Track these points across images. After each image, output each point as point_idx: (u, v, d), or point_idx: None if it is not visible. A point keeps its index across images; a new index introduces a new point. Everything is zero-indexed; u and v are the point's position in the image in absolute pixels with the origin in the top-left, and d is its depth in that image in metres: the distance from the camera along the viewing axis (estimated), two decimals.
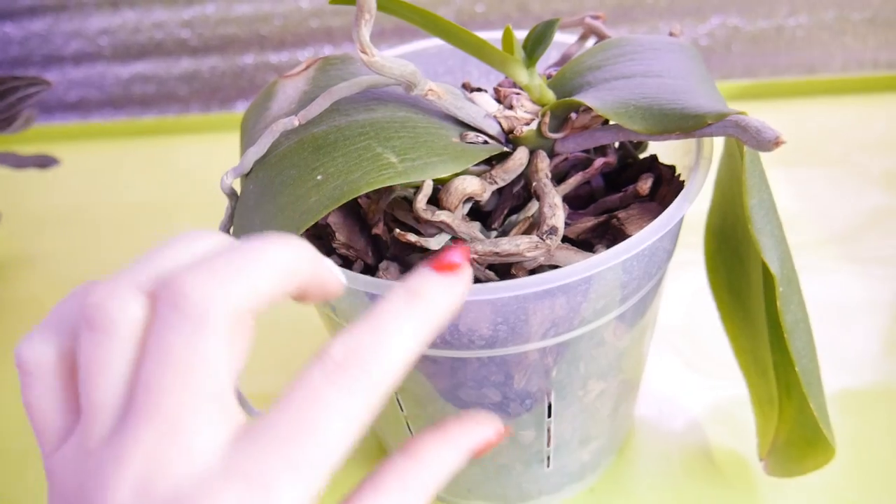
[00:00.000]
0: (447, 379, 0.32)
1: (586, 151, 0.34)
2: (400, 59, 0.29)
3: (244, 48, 0.76)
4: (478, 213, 0.33)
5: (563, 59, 0.39)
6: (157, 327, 0.18)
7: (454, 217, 0.30)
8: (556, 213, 0.29)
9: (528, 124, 0.31)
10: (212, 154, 0.70)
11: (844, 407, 0.43)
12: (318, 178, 0.28)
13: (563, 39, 0.40)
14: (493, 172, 0.31)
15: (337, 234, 0.32)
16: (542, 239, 0.29)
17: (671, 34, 0.35)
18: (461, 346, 0.30)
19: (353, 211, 0.33)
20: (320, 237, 0.33)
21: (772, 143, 0.24)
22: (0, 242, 0.60)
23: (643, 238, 0.28)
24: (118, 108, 0.82)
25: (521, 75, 0.31)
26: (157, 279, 0.19)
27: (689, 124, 0.26)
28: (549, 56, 0.39)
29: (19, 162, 0.54)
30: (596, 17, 0.37)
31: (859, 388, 0.44)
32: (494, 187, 0.31)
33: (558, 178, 0.34)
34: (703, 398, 0.44)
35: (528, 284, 0.27)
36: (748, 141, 0.25)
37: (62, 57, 0.79)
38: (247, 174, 0.31)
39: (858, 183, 0.59)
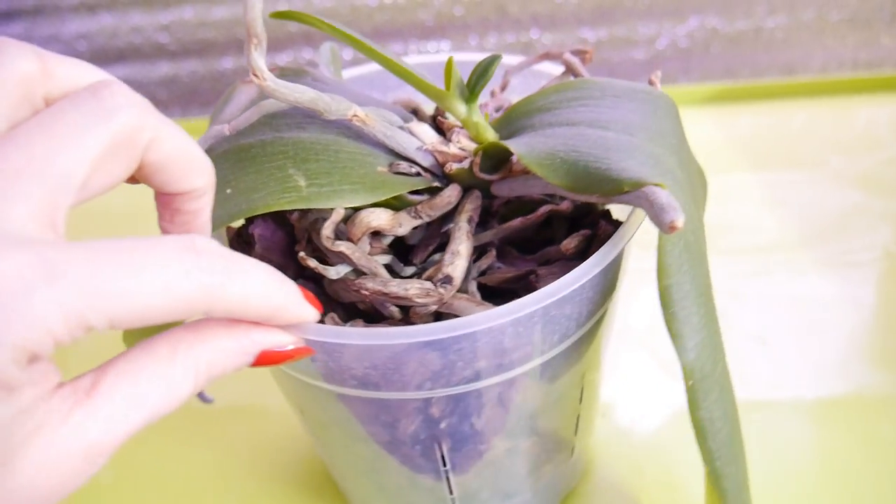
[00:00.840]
0: (334, 410, 0.31)
1: (549, 195, 0.33)
2: (299, 85, 0.28)
3: (223, 52, 0.76)
4: (404, 246, 0.32)
5: None
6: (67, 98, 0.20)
7: (355, 249, 0.29)
8: (455, 262, 0.28)
9: (461, 161, 0.30)
10: None
11: (820, 415, 0.43)
12: (228, 191, 0.28)
13: (549, 70, 0.38)
14: (419, 207, 0.30)
15: (256, 245, 0.32)
16: (435, 286, 0.28)
17: (650, 82, 0.33)
18: (336, 381, 0.29)
19: (289, 225, 0.33)
20: (249, 244, 0.33)
21: (667, 226, 0.23)
22: None
23: (523, 305, 0.26)
24: None
25: (459, 110, 0.30)
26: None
27: (607, 188, 0.25)
28: (530, 86, 0.38)
29: None
30: (580, 53, 0.35)
31: (834, 395, 0.44)
32: (418, 222, 0.30)
33: (503, 220, 0.32)
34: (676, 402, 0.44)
35: (382, 335, 0.26)
36: (652, 217, 0.24)
37: None
38: None
39: (836, 184, 0.59)
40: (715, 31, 0.72)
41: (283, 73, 0.34)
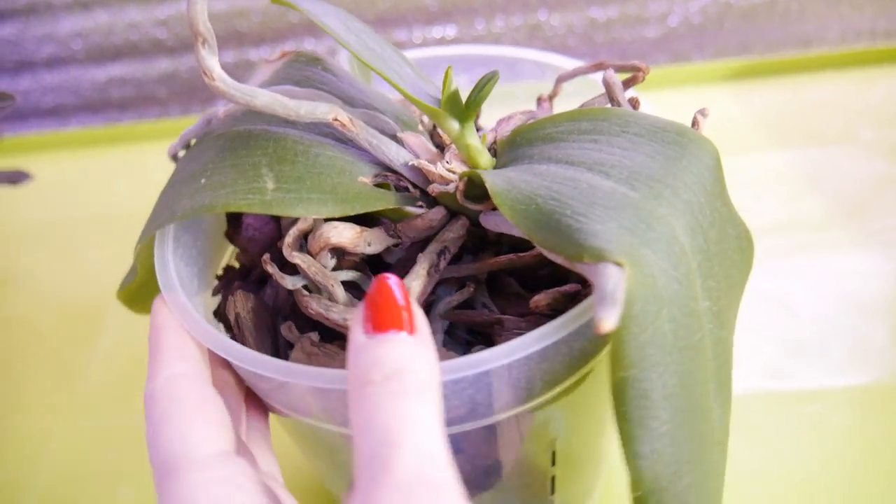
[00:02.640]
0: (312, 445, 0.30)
1: None
2: (256, 89, 0.25)
3: (222, 45, 0.74)
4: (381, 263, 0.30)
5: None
6: None
7: (311, 263, 0.27)
8: None
9: (446, 185, 0.27)
10: None
11: (855, 402, 0.41)
12: (202, 181, 0.27)
13: (597, 79, 0.34)
14: (398, 226, 0.28)
15: (242, 235, 0.31)
16: None
17: (694, 122, 0.28)
18: (296, 412, 0.28)
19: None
20: (238, 229, 0.32)
21: (598, 324, 0.19)
22: None
23: (454, 367, 0.23)
24: (95, 113, 0.79)
25: (451, 128, 0.26)
26: None
27: (568, 251, 0.21)
28: (584, 95, 0.33)
29: None
30: (634, 69, 0.30)
31: (869, 382, 0.42)
32: (394, 242, 0.28)
33: (499, 252, 0.29)
34: None
35: (313, 375, 0.24)
36: (596, 300, 0.20)
37: (34, 62, 0.76)
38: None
39: (866, 158, 0.57)
40: (728, 6, 0.70)
41: (296, 58, 0.32)
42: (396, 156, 0.28)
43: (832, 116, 0.62)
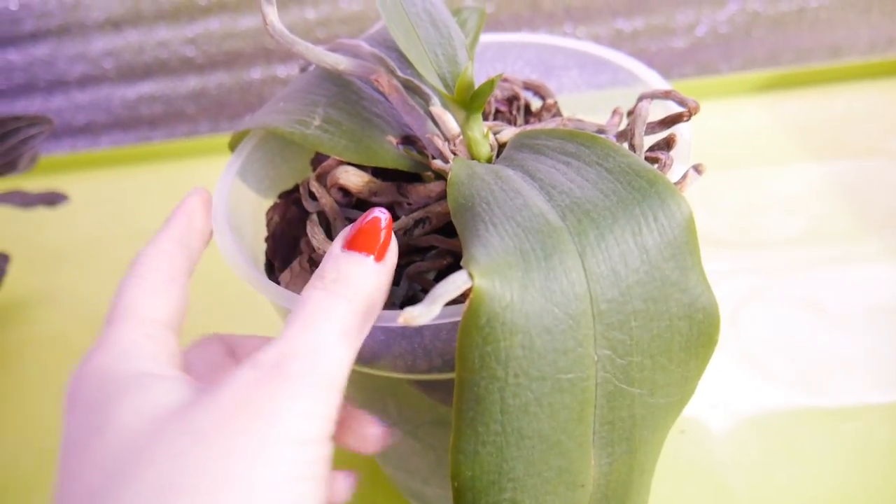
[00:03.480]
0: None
1: None
2: (299, 40, 0.30)
3: (250, 62, 0.75)
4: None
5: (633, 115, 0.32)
6: None
7: (324, 195, 0.31)
8: None
9: (446, 164, 0.29)
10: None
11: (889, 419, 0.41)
12: (282, 104, 0.32)
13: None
14: (407, 187, 0.31)
15: (316, 164, 0.35)
16: None
17: (685, 176, 0.28)
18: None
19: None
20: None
21: (402, 314, 0.21)
22: (14, 282, 0.59)
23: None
24: (126, 130, 0.80)
25: (459, 116, 0.29)
26: None
27: (464, 253, 0.23)
28: (657, 116, 0.32)
29: (26, 200, 0.52)
30: (685, 105, 0.30)
31: None
32: (397, 199, 0.31)
33: None
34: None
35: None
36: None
37: (67, 81, 0.77)
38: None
39: (893, 168, 0.57)
40: (756, 15, 0.69)
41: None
42: (421, 126, 0.31)
43: (862, 127, 0.62)
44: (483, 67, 0.41)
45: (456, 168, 0.26)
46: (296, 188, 0.37)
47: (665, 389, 0.25)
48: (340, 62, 0.30)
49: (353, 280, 0.23)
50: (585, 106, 0.39)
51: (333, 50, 0.32)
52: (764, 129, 0.62)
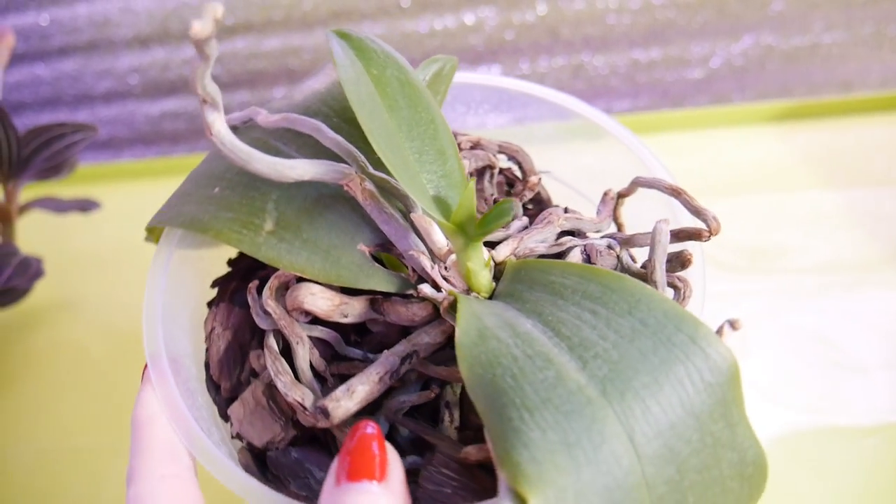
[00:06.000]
0: None
1: None
2: (255, 151, 0.24)
3: (273, 82, 0.76)
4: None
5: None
6: None
7: (282, 316, 0.26)
8: (342, 402, 0.24)
9: (436, 290, 0.26)
10: None
11: None
12: (216, 190, 0.26)
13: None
14: (384, 305, 0.26)
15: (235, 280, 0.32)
16: (305, 408, 0.24)
17: (719, 331, 0.26)
18: None
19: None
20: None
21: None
22: (44, 287, 0.60)
23: None
24: (148, 145, 0.82)
25: (457, 243, 0.25)
26: None
27: (497, 449, 0.20)
28: (658, 212, 0.30)
29: (60, 206, 0.54)
30: (697, 232, 0.27)
31: None
32: (372, 317, 0.27)
33: None
34: None
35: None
36: None
37: (93, 96, 0.79)
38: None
39: None
40: (770, 49, 0.71)
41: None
42: (402, 239, 0.26)
43: (874, 158, 0.63)
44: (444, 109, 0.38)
45: (463, 322, 0.23)
46: (231, 275, 0.32)
47: None
48: (306, 172, 0.25)
49: None
50: (545, 135, 0.39)
51: (284, 120, 0.27)
52: (776, 158, 0.63)
